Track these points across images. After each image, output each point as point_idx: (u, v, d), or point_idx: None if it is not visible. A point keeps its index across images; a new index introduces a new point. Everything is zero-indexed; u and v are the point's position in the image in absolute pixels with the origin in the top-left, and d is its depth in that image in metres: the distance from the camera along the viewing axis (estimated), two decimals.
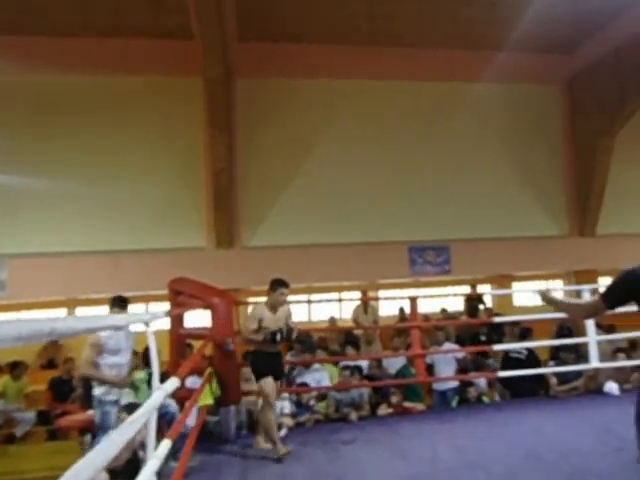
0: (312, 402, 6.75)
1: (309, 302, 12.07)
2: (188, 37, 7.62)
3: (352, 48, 9.11)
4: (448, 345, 7.68)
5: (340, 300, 11.79)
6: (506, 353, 7.63)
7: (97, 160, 8.70)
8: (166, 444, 3.53)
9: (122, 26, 8.19)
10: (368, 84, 9.55)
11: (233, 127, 8.65)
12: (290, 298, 5.58)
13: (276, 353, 5.38)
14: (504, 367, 7.39)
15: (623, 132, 9.32)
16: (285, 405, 6.40)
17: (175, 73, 8.66)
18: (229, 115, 8.18)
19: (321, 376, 7.06)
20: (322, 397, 6.87)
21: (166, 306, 6.49)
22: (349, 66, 9.25)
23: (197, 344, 6.31)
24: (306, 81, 9.36)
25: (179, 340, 6.15)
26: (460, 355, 7.65)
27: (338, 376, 7.07)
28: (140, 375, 6.15)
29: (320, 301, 11.95)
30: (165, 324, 6.49)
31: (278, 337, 5.20)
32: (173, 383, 3.64)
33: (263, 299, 5.58)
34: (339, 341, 8.87)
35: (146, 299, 10.21)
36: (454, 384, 7.41)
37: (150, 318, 3.31)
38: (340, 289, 11.75)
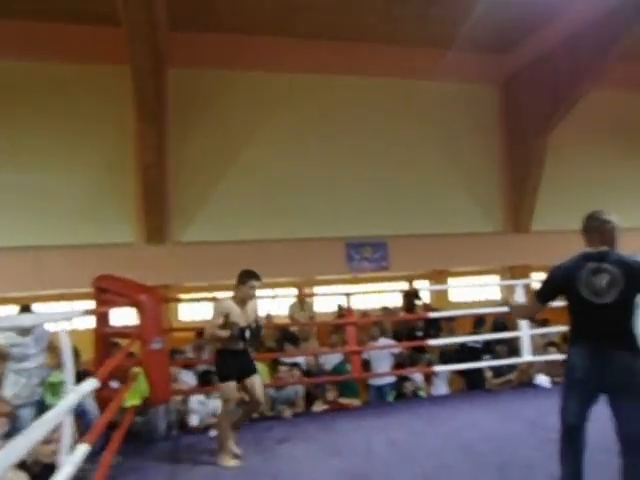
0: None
1: None
2: (119, 24, 7.31)
3: (289, 41, 8.98)
4: (383, 341, 7.66)
5: (275, 297, 11.66)
6: (463, 343, 7.73)
7: (22, 149, 8.28)
8: (83, 448, 3.33)
9: (54, 10, 7.83)
10: (305, 78, 9.44)
11: (165, 119, 8.35)
12: (225, 295, 5.36)
13: (242, 351, 4.97)
14: (460, 358, 7.43)
15: (557, 131, 9.52)
16: (218, 405, 6.22)
17: (106, 61, 8.32)
18: (160, 106, 7.88)
19: None
20: None
21: (92, 304, 6.21)
22: (286, 59, 9.12)
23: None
24: (241, 73, 9.16)
25: (103, 339, 5.87)
26: (396, 350, 7.63)
27: (271, 373, 6.93)
28: (59, 377, 5.83)
29: (256, 297, 11.66)
30: (90, 323, 6.22)
31: (247, 334, 4.84)
32: (90, 384, 3.43)
33: (198, 295, 5.33)
34: (275, 338, 8.72)
35: (71, 297, 9.76)
36: (390, 379, 7.40)
37: (61, 317, 3.09)
38: (275, 285, 11.58)
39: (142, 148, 7.94)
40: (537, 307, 3.51)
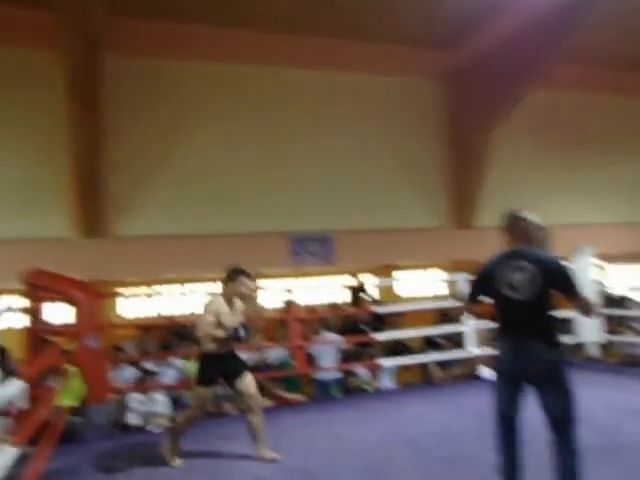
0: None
1: (188, 294, 11.58)
2: (54, 6, 6.98)
3: (228, 30, 8.73)
4: (328, 336, 7.63)
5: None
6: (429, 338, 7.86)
7: None
8: (11, 449, 3.16)
9: None
10: (248, 69, 9.20)
11: (101, 107, 8.03)
12: (165, 290, 5.17)
13: (227, 353, 4.76)
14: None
15: (499, 129, 9.61)
16: (160, 401, 6.06)
17: (40, 45, 7.90)
18: (95, 94, 7.57)
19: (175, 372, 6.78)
20: None
21: (24, 301, 5.95)
22: (228, 49, 8.89)
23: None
24: (183, 63, 8.86)
25: (35, 337, 5.61)
26: (342, 345, 7.60)
27: None
28: None
29: (201, 292, 11.47)
30: (23, 321, 5.97)
31: (242, 333, 4.62)
32: (16, 385, 3.25)
33: (139, 290, 5.13)
34: None
35: (3, 293, 9.32)
36: (335, 374, 7.37)
37: None
38: (219, 281, 11.42)
39: (77, 138, 7.62)
40: (467, 305, 3.78)
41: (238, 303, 4.84)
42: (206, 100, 8.98)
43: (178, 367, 6.87)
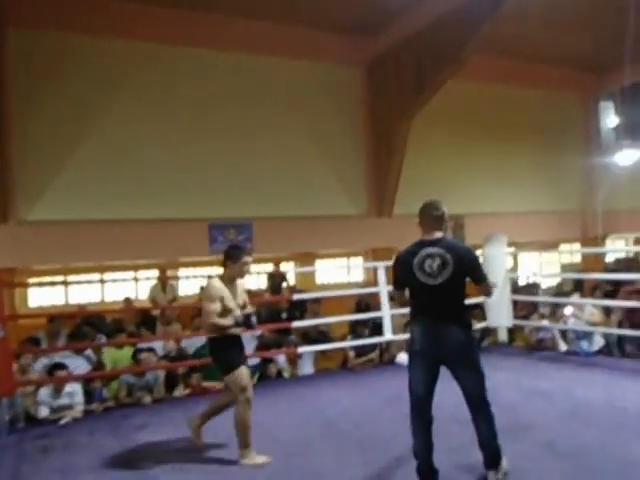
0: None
1: (102, 282, 11.24)
2: None
3: (148, 7, 8.48)
4: None
5: (136, 279, 11.19)
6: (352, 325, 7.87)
7: None
8: None
9: None
10: (162, 48, 8.89)
11: (5, 84, 7.58)
12: (81, 278, 4.94)
13: (239, 337, 4.49)
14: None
15: (418, 118, 9.78)
16: (76, 391, 5.84)
17: None
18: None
19: (83, 362, 6.55)
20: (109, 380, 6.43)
21: None
22: (144, 26, 8.59)
23: None
24: (97, 39, 8.45)
25: None
26: (259, 333, 7.57)
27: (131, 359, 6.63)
28: None
29: (114, 280, 11.19)
30: None
31: (254, 320, 4.41)
32: None
33: (50, 279, 4.88)
34: (135, 322, 8.34)
35: None
36: (254, 361, 7.33)
37: None
38: (136, 268, 11.07)
39: None
40: (399, 293, 3.85)
41: (240, 285, 4.55)
42: (123, 80, 8.64)
43: (90, 357, 6.66)
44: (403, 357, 7.54)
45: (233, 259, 4.38)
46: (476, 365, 3.56)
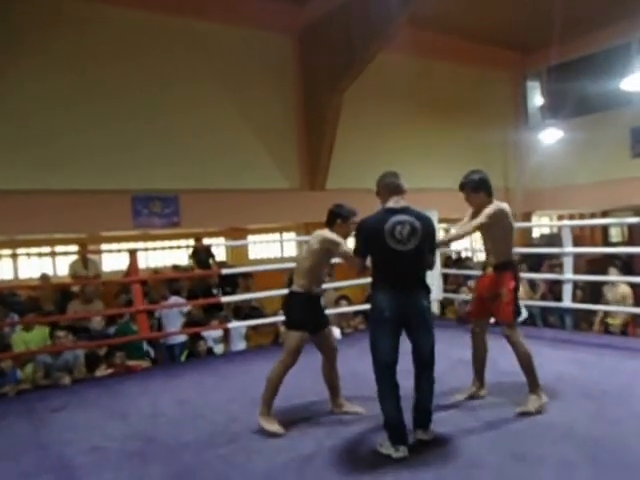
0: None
1: (14, 256, 10.58)
2: None
3: None
4: (174, 299, 7.39)
5: (54, 254, 10.63)
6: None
7: None
8: None
9: None
10: (82, 6, 8.28)
11: None
12: None
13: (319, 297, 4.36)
14: None
15: (350, 91, 9.64)
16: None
17: None
18: None
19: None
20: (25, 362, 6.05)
21: None
22: None
23: None
24: None
25: None
26: (186, 309, 7.37)
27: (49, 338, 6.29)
28: None
29: (28, 255, 10.59)
30: None
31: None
32: None
33: None
34: (54, 300, 7.92)
35: None
36: (182, 338, 7.14)
37: None
38: (53, 242, 10.49)
39: None
40: (362, 262, 3.81)
41: None
42: (35, 40, 8.00)
43: None
44: (336, 331, 7.54)
45: (345, 219, 4.18)
46: (432, 328, 3.74)
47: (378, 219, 3.65)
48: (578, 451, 3.45)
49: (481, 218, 4.17)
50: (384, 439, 3.59)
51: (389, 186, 3.78)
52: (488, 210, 4.16)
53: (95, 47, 8.48)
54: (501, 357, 4.68)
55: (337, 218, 4.17)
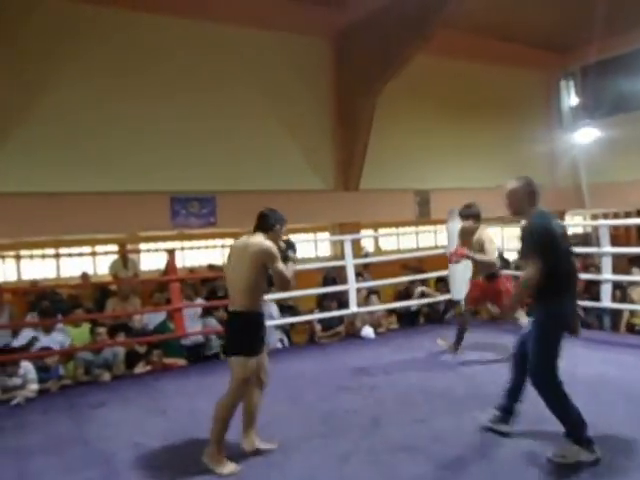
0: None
1: (57, 256, 10.86)
2: None
3: None
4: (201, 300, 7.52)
5: (94, 254, 10.88)
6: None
7: None
8: None
9: None
10: (122, 13, 8.48)
11: None
12: (36, 252, 4.69)
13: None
14: None
15: (384, 92, 9.63)
16: (29, 370, 5.63)
17: None
18: None
19: (64, 338, 6.36)
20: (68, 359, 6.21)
21: None
22: None
23: None
24: (46, 5, 7.97)
25: None
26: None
27: (90, 336, 6.44)
28: None
29: (70, 255, 10.86)
30: None
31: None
32: None
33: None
34: (94, 298, 8.11)
35: None
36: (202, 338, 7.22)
37: None
38: (93, 242, 10.75)
39: None
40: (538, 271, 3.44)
41: None
42: (73, 44, 8.16)
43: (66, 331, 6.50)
44: (369, 331, 7.58)
45: (281, 224, 3.94)
46: None
47: (550, 221, 3.54)
48: None
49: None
50: (565, 449, 3.38)
51: (535, 189, 3.68)
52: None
53: (137, 52, 8.67)
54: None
55: (277, 224, 3.89)
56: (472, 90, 12.02)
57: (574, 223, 15.85)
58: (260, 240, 3.70)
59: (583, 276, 7.89)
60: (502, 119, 12.34)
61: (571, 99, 13.89)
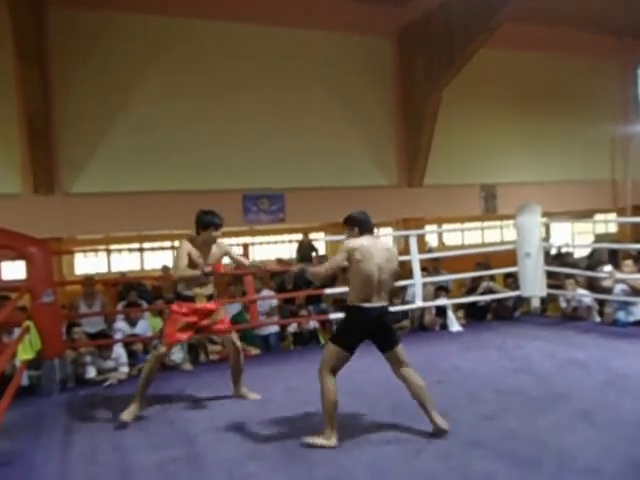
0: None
1: (141, 250, 11.55)
2: None
3: None
4: (266, 292, 7.80)
5: (173, 248, 11.47)
6: None
7: None
8: None
9: None
10: (195, 23, 9.06)
11: (47, 62, 7.82)
12: (122, 246, 5.16)
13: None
14: None
15: (449, 87, 9.76)
16: (121, 354, 6.14)
17: None
18: (41, 47, 7.41)
19: (147, 325, 6.88)
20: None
21: None
22: (174, 2, 8.74)
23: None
24: (128, 15, 8.66)
25: None
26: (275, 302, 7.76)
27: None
28: None
29: (152, 249, 11.53)
30: None
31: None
32: None
33: (95, 247, 5.10)
34: (174, 289, 8.58)
35: None
36: (276, 329, 7.58)
37: None
38: (173, 237, 11.37)
39: (26, 93, 7.47)
40: None
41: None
42: (156, 55, 8.81)
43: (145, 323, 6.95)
44: (456, 324, 7.64)
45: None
46: None
47: None
48: None
49: None
50: None
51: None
52: None
53: (214, 59, 9.23)
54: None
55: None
56: (539, 82, 11.89)
57: None
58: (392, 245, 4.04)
59: None
60: (572, 111, 12.14)
61: None
